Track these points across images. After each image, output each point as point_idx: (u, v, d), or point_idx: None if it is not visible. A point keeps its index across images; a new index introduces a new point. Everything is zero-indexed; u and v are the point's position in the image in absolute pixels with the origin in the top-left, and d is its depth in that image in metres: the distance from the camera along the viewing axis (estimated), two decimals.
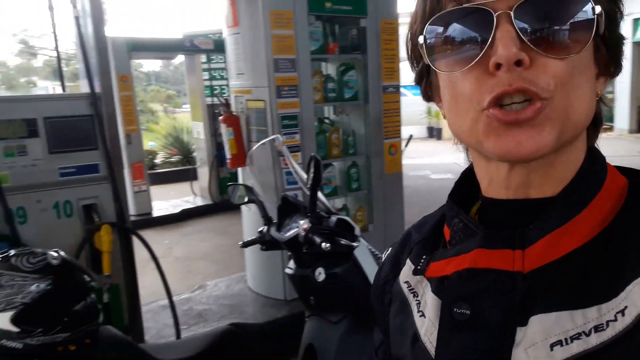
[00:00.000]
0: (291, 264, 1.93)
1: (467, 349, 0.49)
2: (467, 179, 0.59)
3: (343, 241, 1.73)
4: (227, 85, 7.50)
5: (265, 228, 2.06)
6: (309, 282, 1.82)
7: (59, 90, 3.73)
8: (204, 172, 7.29)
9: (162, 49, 6.41)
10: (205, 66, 6.95)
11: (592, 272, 0.45)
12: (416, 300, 0.58)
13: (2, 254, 1.41)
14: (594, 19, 0.44)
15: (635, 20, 12.18)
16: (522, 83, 0.43)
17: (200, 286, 4.08)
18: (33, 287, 1.35)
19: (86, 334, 1.45)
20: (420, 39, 0.50)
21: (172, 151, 10.37)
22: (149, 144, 10.99)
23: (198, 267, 5.05)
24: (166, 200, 7.35)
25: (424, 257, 0.59)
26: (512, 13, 0.43)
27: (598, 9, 0.44)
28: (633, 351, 0.41)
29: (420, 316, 0.56)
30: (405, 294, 0.60)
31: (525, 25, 0.44)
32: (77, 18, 2.46)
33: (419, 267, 0.58)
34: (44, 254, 1.42)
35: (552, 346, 0.44)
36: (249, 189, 2.17)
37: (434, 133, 15.33)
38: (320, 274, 1.81)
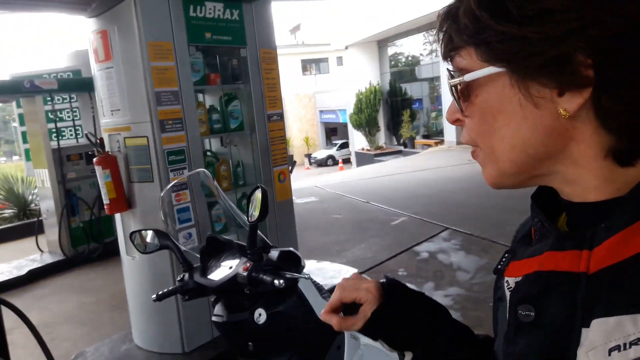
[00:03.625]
0: (218, 310, 1.75)
1: (531, 348, 0.52)
2: None
3: (289, 274, 1.63)
4: (74, 127, 6.84)
5: (186, 275, 1.85)
6: (246, 327, 1.67)
7: None
8: (51, 224, 6.46)
9: None
10: (48, 107, 6.21)
11: None
12: None
13: None
14: (456, 85, 0.55)
15: None
16: (462, 137, 0.59)
17: (78, 354, 3.54)
18: None
19: None
20: None
21: (0, 205, 9.02)
22: None
23: (64, 333, 4.41)
24: (7, 263, 6.33)
25: (506, 255, 0.62)
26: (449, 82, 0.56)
27: (454, 82, 0.55)
28: None
29: None
30: (505, 291, 0.61)
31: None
32: None
33: (499, 267, 0.62)
34: None
35: (610, 351, 0.44)
36: (160, 234, 1.94)
37: (292, 159, 15.71)
38: (260, 316, 1.67)
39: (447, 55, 0.57)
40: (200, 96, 3.58)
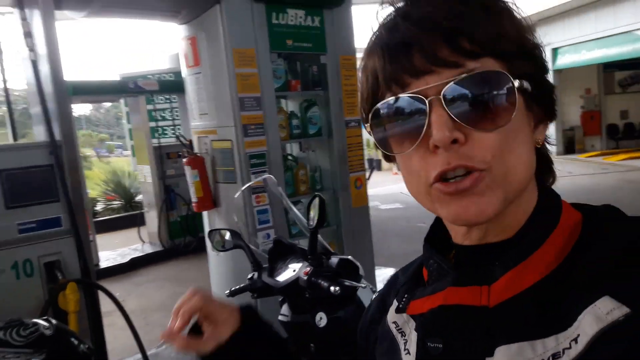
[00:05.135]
0: (284, 310, 1.83)
1: None
2: (442, 222, 0.62)
3: (347, 282, 1.67)
4: (173, 126, 7.34)
5: (255, 274, 1.95)
6: (308, 329, 1.73)
7: None
8: (152, 217, 7.01)
9: (105, 91, 6.17)
10: (150, 107, 6.76)
11: (550, 304, 0.49)
12: (403, 339, 0.60)
13: None
14: (514, 93, 0.49)
15: (554, 50, 13.32)
16: (459, 160, 0.48)
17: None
18: None
19: None
20: (367, 127, 0.56)
21: (109, 197, 9.90)
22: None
23: (156, 319, 4.77)
24: (112, 250, 6.98)
25: (406, 296, 0.63)
26: (441, 98, 0.48)
27: (517, 83, 0.49)
28: None
29: (406, 354, 0.58)
30: (393, 333, 0.62)
31: (456, 107, 0.48)
32: (34, 62, 2.31)
33: (400, 306, 0.63)
34: (35, 324, 1.26)
35: None
36: (234, 234, 2.07)
37: (373, 164, 15.67)
38: (321, 319, 1.73)
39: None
40: (283, 103, 3.72)
